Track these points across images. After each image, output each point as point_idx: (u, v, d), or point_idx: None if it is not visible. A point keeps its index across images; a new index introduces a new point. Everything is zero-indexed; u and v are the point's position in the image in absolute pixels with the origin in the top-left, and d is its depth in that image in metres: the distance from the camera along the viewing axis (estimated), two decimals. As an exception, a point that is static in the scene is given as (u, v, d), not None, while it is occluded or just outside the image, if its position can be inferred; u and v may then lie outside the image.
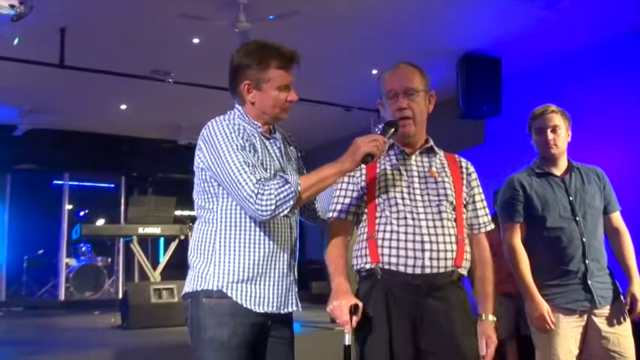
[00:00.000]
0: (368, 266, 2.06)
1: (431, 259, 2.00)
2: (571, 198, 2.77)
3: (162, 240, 9.06)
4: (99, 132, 9.72)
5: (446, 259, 2.02)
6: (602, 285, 2.72)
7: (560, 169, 2.85)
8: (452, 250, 2.04)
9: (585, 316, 2.70)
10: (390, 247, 2.03)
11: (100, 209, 10.67)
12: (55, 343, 4.74)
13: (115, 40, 6.17)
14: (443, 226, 2.05)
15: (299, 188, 1.91)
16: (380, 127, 4.04)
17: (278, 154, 2.12)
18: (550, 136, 2.79)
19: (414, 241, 2.01)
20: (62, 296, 9.70)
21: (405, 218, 2.04)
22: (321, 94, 7.16)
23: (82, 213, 11.06)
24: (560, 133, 2.81)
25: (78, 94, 7.81)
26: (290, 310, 2.09)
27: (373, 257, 2.05)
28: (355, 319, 1.92)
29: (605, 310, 2.70)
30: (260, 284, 2.01)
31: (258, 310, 1.99)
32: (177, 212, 7.79)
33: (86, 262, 9.73)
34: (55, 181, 10.87)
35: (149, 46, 6.40)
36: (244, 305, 1.97)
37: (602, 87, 6.21)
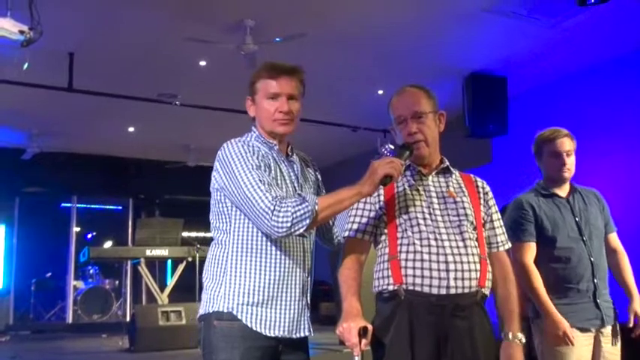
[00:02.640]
0: (391, 287, 2.03)
1: (456, 279, 1.98)
2: (577, 219, 2.82)
3: (169, 262, 9.05)
4: (107, 154, 9.78)
5: (470, 279, 2.00)
6: (608, 304, 2.77)
7: (564, 190, 2.90)
8: (476, 270, 2.02)
9: (594, 335, 2.72)
10: (414, 268, 2.00)
11: (108, 231, 10.69)
12: (62, 367, 4.71)
13: (122, 63, 6.23)
14: (466, 246, 2.03)
15: (316, 207, 1.89)
16: (387, 147, 4.04)
17: (293, 177, 2.10)
18: (567, 160, 2.83)
19: (438, 262, 1.98)
20: (70, 319, 9.70)
21: (428, 239, 2.02)
22: (327, 114, 7.19)
23: (89, 235, 11.08)
24: (573, 157, 2.86)
25: (86, 117, 7.88)
26: (302, 334, 2.06)
27: (396, 278, 2.02)
28: (364, 342, 1.90)
29: (608, 329, 2.76)
30: (271, 308, 1.98)
31: (268, 334, 1.96)
32: (185, 234, 7.79)
33: (94, 284, 9.72)
34: (63, 204, 10.92)
35: (156, 70, 6.46)
36: (254, 328, 1.95)
37: (608, 106, 6.21)
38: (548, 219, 2.81)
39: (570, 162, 2.85)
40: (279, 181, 2.03)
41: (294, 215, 1.87)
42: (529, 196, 2.89)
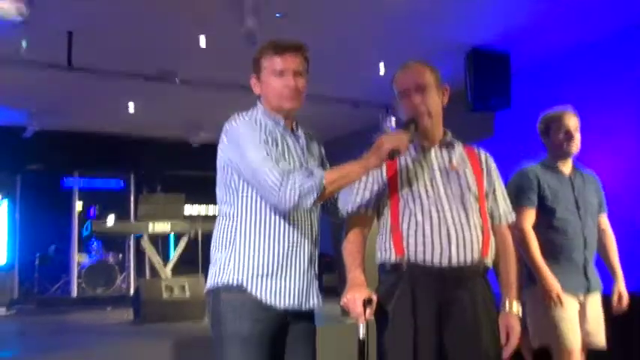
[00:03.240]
0: (393, 259, 2.07)
1: (458, 250, 2.01)
2: (576, 195, 3.03)
3: (172, 237, 9.10)
4: (107, 132, 9.75)
5: (472, 250, 2.04)
6: (594, 275, 3.02)
7: (567, 168, 3.10)
8: (478, 242, 2.05)
9: (581, 300, 2.97)
10: (416, 240, 2.03)
11: (110, 207, 10.70)
12: (69, 339, 4.78)
13: (121, 41, 6.18)
14: (468, 218, 2.07)
15: (323, 181, 1.92)
16: (390, 123, 4.06)
17: (299, 151, 2.13)
18: (575, 135, 3.04)
19: (439, 233, 2.02)
20: (74, 293, 9.77)
21: (430, 211, 2.05)
22: (328, 90, 7.15)
23: (92, 211, 11.12)
24: (579, 135, 3.07)
25: (86, 95, 7.85)
26: (311, 304, 2.09)
27: (398, 250, 2.06)
28: (369, 312, 1.94)
29: (593, 297, 3.00)
30: (279, 279, 2.00)
31: (277, 305, 1.99)
32: (187, 209, 7.82)
33: (97, 258, 9.79)
34: (64, 180, 10.94)
35: (156, 47, 6.41)
36: (263, 300, 1.97)
37: (612, 79, 6.18)
38: (550, 189, 2.98)
39: (577, 138, 3.05)
40: (286, 156, 2.04)
41: (302, 189, 1.89)
42: (535, 167, 3.08)
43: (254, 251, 2.00)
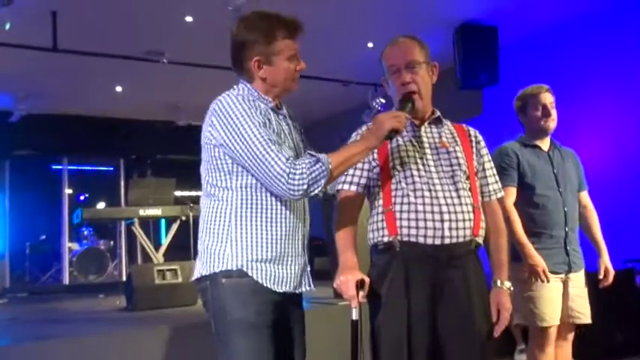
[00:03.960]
0: (385, 239, 2.05)
1: (450, 229, 2.00)
2: (555, 171, 3.03)
3: (163, 221, 9.07)
4: (96, 115, 9.67)
5: (464, 228, 2.03)
6: (576, 252, 3.02)
7: (545, 144, 3.11)
8: (470, 220, 2.04)
9: (563, 279, 2.97)
10: (408, 219, 2.02)
11: (100, 192, 10.67)
12: (62, 327, 4.76)
13: (106, 21, 6.10)
14: (459, 196, 2.05)
15: (330, 167, 1.87)
16: (379, 101, 4.01)
17: (293, 133, 2.08)
18: (552, 111, 3.05)
19: (432, 212, 2.00)
20: (66, 280, 9.75)
21: (422, 189, 2.03)
22: (317, 69, 7.09)
23: (82, 197, 11.06)
24: (555, 111, 3.08)
25: (73, 77, 7.76)
26: (304, 289, 2.07)
27: (391, 230, 2.04)
28: (362, 294, 1.92)
29: (575, 275, 3.00)
30: (279, 264, 1.96)
31: (278, 290, 1.95)
32: (178, 193, 7.79)
33: (89, 245, 9.74)
34: (53, 166, 10.86)
35: (142, 26, 6.33)
36: (265, 285, 1.93)
37: (601, 55, 6.16)
38: (529, 166, 3.00)
39: (554, 114, 3.06)
40: (282, 139, 1.98)
41: (310, 177, 1.84)
42: (513, 145, 3.09)
43: (253, 236, 1.94)
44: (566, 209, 2.98)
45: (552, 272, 2.88)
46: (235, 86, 2.07)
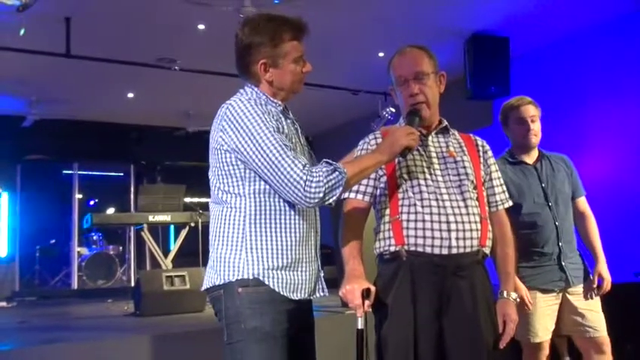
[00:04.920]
0: (392, 249, 2.04)
1: (457, 239, 1.99)
2: (543, 185, 2.94)
3: (172, 228, 9.10)
4: (107, 121, 9.73)
5: (472, 238, 2.02)
6: (574, 265, 2.93)
7: (532, 157, 3.02)
8: (477, 230, 2.04)
9: (560, 295, 2.89)
10: (415, 229, 2.01)
11: (110, 198, 10.73)
12: (70, 331, 4.78)
13: (120, 28, 6.15)
14: (467, 206, 2.05)
15: (346, 176, 1.86)
16: (388, 110, 4.00)
17: (296, 135, 2.05)
18: (532, 125, 2.95)
19: (439, 222, 2.00)
20: (75, 285, 9.78)
21: (429, 199, 2.03)
22: (327, 78, 7.12)
23: (92, 202, 11.12)
24: (538, 123, 2.98)
25: (85, 83, 7.82)
26: (319, 294, 2.04)
27: (398, 239, 2.03)
28: (367, 303, 1.92)
29: (578, 289, 2.92)
30: (295, 271, 1.94)
31: (294, 297, 1.93)
32: (187, 199, 7.81)
33: (98, 250, 9.79)
34: (64, 171, 10.93)
35: (154, 34, 6.38)
36: (282, 293, 1.90)
37: (610, 66, 6.14)
38: (514, 186, 2.89)
39: (536, 127, 2.97)
40: (292, 143, 1.95)
41: (327, 185, 1.82)
42: (497, 163, 2.96)
43: (269, 244, 1.91)
44: (557, 223, 2.88)
45: (544, 290, 2.84)
46: (242, 90, 2.04)
